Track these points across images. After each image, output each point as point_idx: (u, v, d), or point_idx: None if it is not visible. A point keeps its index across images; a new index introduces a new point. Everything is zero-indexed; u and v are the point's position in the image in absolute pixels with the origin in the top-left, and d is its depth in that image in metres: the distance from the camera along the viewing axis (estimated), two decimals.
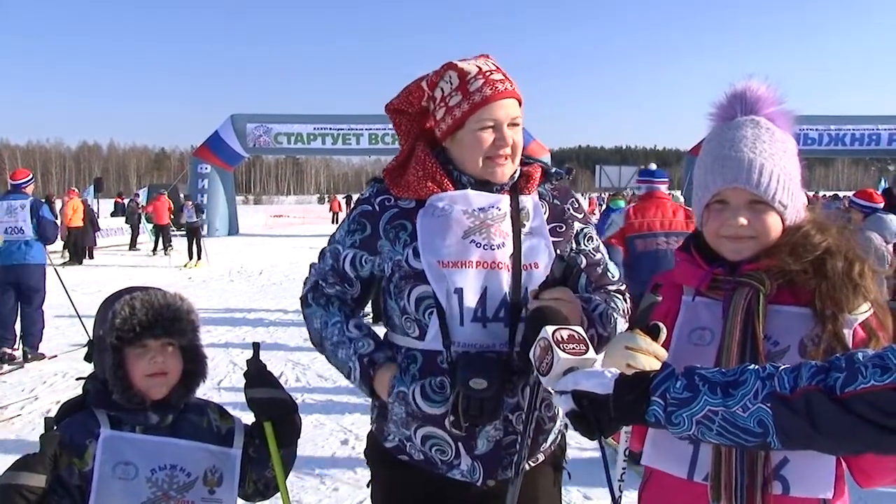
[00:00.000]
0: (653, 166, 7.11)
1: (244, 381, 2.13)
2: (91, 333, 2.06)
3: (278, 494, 2.15)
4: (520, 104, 2.07)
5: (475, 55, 2.13)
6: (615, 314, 2.09)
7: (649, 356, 1.62)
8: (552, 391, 1.55)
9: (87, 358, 2.05)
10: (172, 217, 23.93)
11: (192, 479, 1.95)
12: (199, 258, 19.87)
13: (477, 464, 2.02)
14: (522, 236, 2.06)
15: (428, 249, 2.01)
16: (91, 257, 20.78)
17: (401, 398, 2.03)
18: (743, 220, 1.64)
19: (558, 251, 2.09)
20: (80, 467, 1.88)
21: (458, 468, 2.04)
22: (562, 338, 1.59)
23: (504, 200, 2.09)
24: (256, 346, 2.19)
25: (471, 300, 1.99)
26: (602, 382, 1.45)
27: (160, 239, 23.29)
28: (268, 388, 2.10)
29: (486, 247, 2.01)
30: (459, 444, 2.02)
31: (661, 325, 1.65)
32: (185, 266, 19.34)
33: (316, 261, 2.28)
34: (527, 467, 2.07)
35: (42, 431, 1.87)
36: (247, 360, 2.14)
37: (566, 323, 1.67)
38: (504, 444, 2.01)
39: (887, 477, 1.60)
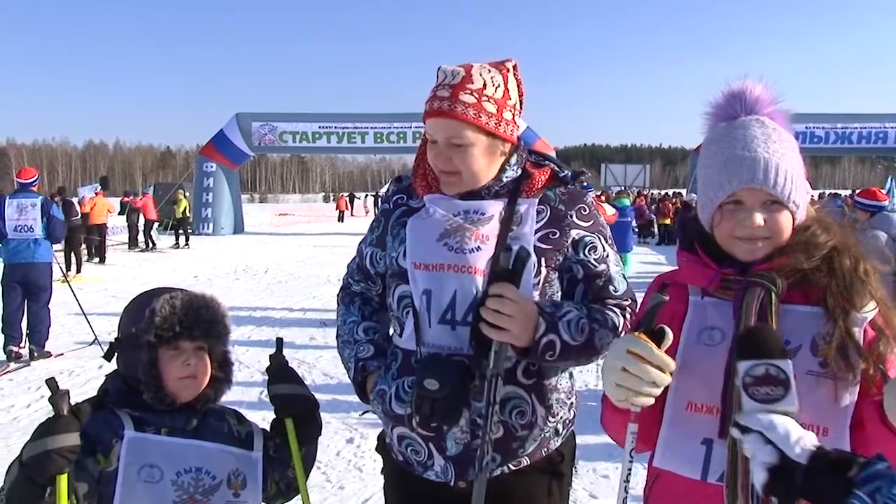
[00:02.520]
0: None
1: (266, 376, 2.13)
2: (118, 331, 2.02)
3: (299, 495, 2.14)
4: (479, 127, 1.99)
5: (500, 59, 2.09)
6: (596, 325, 1.99)
7: (650, 366, 1.55)
8: (739, 424, 1.44)
9: (108, 356, 2.01)
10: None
11: (217, 481, 1.93)
12: (77, 271, 16.47)
13: (449, 465, 2.03)
14: (509, 241, 2.02)
15: (410, 250, 2.05)
16: (103, 260, 20.14)
17: (380, 396, 2.09)
18: (760, 221, 1.62)
19: (543, 257, 2.03)
20: (103, 465, 1.84)
21: (432, 469, 2.05)
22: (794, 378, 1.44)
23: (492, 205, 2.06)
24: (280, 342, 2.20)
25: (439, 302, 2.00)
26: (805, 446, 1.34)
27: (149, 237, 24.14)
28: (290, 385, 2.10)
29: (457, 250, 2.00)
30: (430, 444, 2.04)
31: (667, 328, 1.59)
32: (63, 281, 14.52)
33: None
34: (505, 470, 2.05)
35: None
36: (270, 356, 2.15)
37: (783, 356, 1.45)
38: (473, 446, 1.99)
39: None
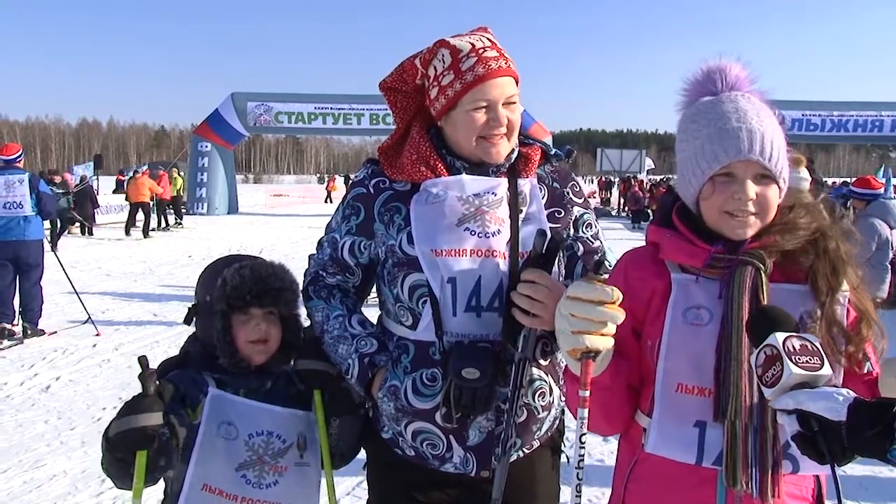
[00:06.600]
0: None
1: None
2: (195, 297, 2.16)
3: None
4: (516, 82, 2.02)
5: (471, 29, 2.07)
6: None
7: (594, 304, 1.52)
8: (774, 408, 1.44)
9: (187, 320, 2.16)
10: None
11: (287, 445, 2.03)
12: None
13: (470, 455, 1.99)
14: (519, 223, 2.00)
15: (422, 237, 1.96)
16: (91, 234, 20.80)
17: (392, 393, 1.99)
18: (753, 194, 1.60)
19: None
20: (192, 418, 1.96)
21: (450, 461, 2.00)
22: (793, 348, 1.40)
23: (501, 185, 2.03)
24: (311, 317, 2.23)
25: (465, 289, 1.93)
26: (832, 407, 1.33)
27: (162, 216, 23.73)
28: (314, 360, 2.12)
29: (480, 234, 1.95)
30: (451, 436, 1.98)
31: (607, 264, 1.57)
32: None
33: (315, 251, 2.24)
34: (521, 454, 2.04)
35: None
36: (304, 329, 2.20)
37: (795, 329, 1.45)
38: (496, 433, 1.96)
39: None
